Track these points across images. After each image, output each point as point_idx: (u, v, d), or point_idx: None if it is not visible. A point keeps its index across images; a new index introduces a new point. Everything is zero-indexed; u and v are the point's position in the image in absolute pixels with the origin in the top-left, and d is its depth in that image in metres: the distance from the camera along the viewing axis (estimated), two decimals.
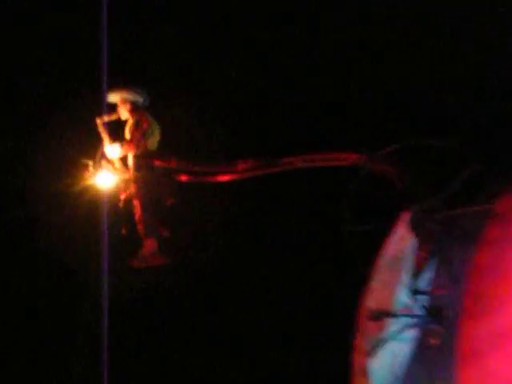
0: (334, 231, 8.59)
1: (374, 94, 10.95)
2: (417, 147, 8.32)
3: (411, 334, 8.28)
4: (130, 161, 9.57)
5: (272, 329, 11.29)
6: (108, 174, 9.35)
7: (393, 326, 8.26)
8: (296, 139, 10.67)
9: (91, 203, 9.29)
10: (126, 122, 9.62)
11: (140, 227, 9.48)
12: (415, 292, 8.14)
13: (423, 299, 8.12)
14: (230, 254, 11.24)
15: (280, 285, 11.25)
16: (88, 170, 9.18)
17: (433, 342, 8.08)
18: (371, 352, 8.28)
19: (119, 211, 9.28)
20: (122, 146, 9.45)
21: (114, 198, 9.31)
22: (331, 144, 9.05)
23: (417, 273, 8.19)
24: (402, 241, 8.29)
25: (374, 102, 10.94)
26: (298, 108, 11.30)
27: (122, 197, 9.38)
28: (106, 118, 9.44)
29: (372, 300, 8.33)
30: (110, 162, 9.45)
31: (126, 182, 9.46)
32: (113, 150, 9.42)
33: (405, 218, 8.21)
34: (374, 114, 10.75)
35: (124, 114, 9.56)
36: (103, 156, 9.37)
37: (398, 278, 8.25)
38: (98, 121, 9.38)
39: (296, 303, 11.22)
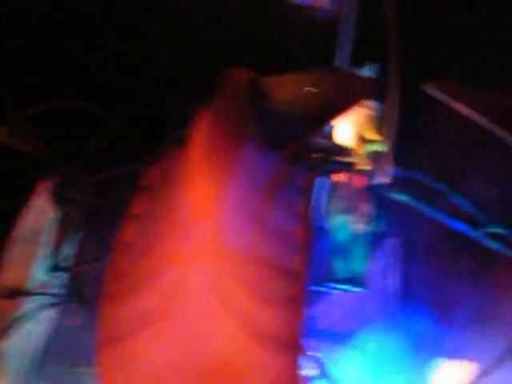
0: None
1: None
2: (56, 111, 7.54)
3: (49, 313, 7.68)
4: None
5: None
6: None
7: (29, 304, 7.58)
8: None
9: None
10: None
11: None
12: (55, 268, 7.48)
13: (63, 276, 7.53)
14: None
15: None
16: None
17: (72, 322, 7.53)
18: (5, 333, 7.52)
19: None
20: None
21: None
22: None
23: (58, 247, 7.53)
24: (41, 213, 7.56)
25: None
26: None
27: None
28: None
29: (8, 277, 7.55)
30: None
31: None
32: None
33: (44, 188, 7.45)
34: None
35: None
36: None
37: (34, 253, 7.53)
38: None
39: None
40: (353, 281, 7.26)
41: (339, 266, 7.32)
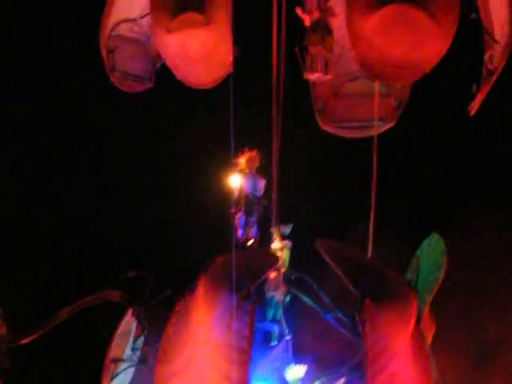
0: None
1: None
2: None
3: (132, 368, 16.25)
4: None
5: None
6: None
7: (124, 365, 16.15)
8: None
9: None
10: None
11: None
12: (134, 348, 16.01)
13: (138, 352, 16.06)
14: None
15: None
16: None
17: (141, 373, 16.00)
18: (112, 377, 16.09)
19: None
20: None
21: None
22: None
23: (136, 338, 16.07)
24: (127, 323, 16.19)
25: None
26: None
27: None
28: None
29: (112, 353, 16.13)
30: None
31: None
32: None
33: (130, 313, 16.10)
34: None
35: None
36: None
37: (126, 342, 16.05)
38: None
39: None
40: (275, 321, 15.96)
41: (270, 314, 16.00)
